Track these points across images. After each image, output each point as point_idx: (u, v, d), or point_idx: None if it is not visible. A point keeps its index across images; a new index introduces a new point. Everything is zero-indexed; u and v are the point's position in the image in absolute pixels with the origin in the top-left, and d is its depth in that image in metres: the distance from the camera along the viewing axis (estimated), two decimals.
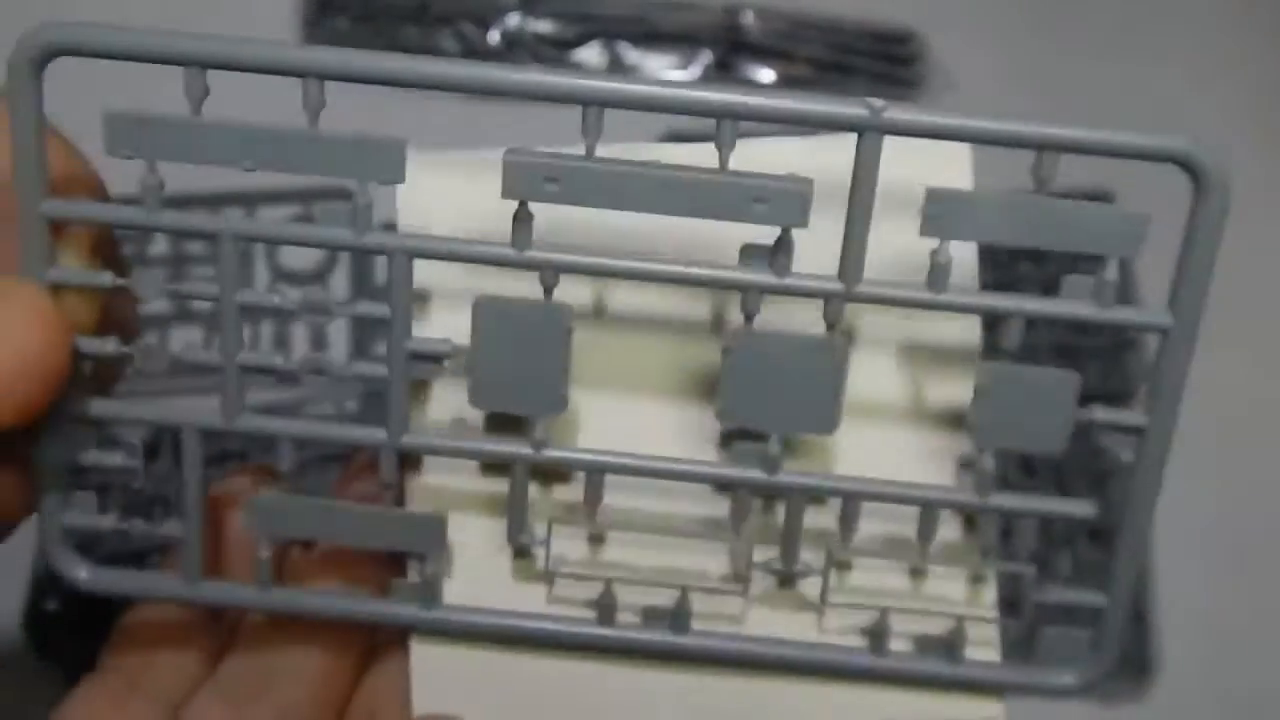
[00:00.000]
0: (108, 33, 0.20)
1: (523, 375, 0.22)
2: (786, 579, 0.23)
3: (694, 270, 0.21)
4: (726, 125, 0.20)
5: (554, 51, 0.37)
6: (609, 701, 0.24)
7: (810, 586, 0.23)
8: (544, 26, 0.38)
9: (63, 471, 0.23)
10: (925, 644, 0.24)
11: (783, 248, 0.21)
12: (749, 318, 0.21)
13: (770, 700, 0.24)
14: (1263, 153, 0.40)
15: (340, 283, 0.40)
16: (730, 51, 0.38)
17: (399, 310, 0.22)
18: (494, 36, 0.38)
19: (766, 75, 0.40)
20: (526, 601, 0.24)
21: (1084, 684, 0.23)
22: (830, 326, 0.21)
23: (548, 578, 0.24)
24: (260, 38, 0.21)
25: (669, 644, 0.24)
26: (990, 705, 0.24)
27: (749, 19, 0.39)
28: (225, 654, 0.25)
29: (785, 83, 0.40)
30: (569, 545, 0.23)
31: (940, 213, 0.20)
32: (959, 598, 0.24)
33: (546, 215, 0.21)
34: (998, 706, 0.24)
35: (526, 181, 0.20)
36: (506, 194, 0.21)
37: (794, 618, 0.24)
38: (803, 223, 0.20)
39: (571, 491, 0.23)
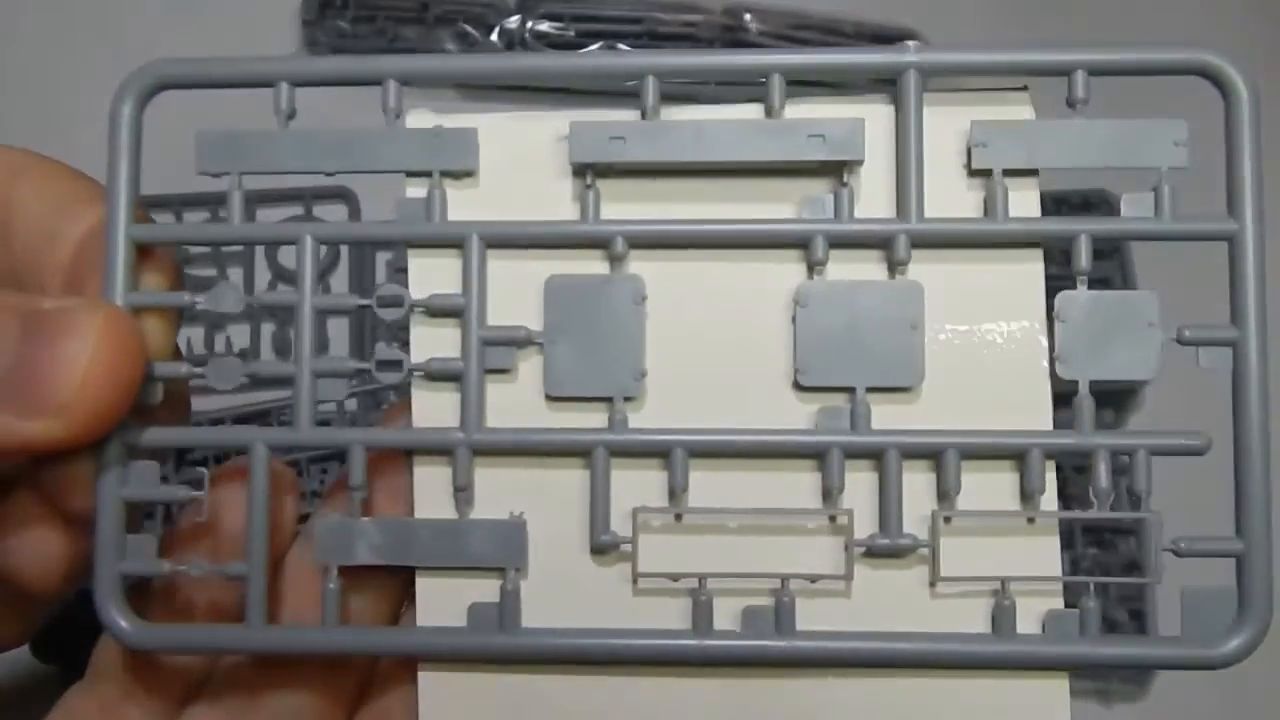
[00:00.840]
0: (212, 64, 0.23)
1: (598, 354, 0.22)
2: (890, 554, 0.21)
3: (757, 226, 0.22)
4: (776, 79, 0.22)
5: (554, 53, 0.37)
6: (637, 714, 0.22)
7: (902, 567, 0.22)
8: (544, 27, 0.39)
9: (122, 511, 0.22)
10: (1048, 621, 0.21)
11: (843, 192, 0.22)
12: (818, 266, 0.22)
13: (818, 697, 0.22)
14: None
15: (340, 284, 0.39)
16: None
17: (473, 298, 0.22)
18: (494, 37, 0.38)
19: None
20: (607, 611, 0.22)
21: (1245, 652, 0.21)
22: (898, 266, 0.22)
23: (633, 580, 0.22)
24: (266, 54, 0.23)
25: (778, 650, 0.21)
26: (1055, 684, 0.21)
27: (749, 19, 0.39)
28: (222, 661, 0.23)
29: None
30: (648, 541, 0.22)
31: (988, 141, 0.21)
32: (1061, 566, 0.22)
33: None
34: (1062, 685, 0.21)
35: (594, 142, 0.22)
36: (575, 157, 0.22)
37: (897, 599, 0.22)
38: (860, 156, 0.21)
39: (641, 488, 0.22)
